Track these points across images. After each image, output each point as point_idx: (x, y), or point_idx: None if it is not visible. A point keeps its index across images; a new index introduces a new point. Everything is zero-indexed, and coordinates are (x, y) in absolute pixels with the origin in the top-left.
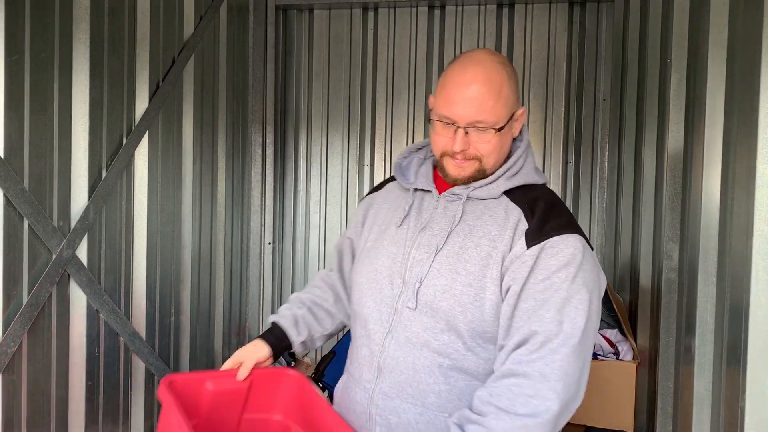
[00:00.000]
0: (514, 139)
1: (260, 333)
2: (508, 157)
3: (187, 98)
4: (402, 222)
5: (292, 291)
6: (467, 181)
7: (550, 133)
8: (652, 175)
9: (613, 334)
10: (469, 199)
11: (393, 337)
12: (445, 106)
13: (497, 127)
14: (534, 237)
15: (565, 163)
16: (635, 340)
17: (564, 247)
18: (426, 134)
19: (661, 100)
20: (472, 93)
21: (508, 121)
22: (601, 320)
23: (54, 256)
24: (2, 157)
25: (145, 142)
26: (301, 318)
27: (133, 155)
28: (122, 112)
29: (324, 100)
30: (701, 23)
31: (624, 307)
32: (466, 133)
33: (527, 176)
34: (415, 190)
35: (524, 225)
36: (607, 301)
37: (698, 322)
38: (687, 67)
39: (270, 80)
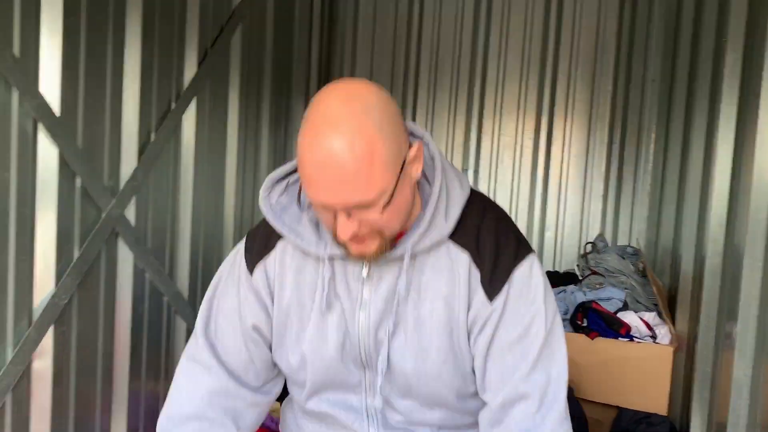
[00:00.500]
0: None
1: None
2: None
3: (233, 66)
4: (329, 305)
5: None
6: (377, 255)
7: (596, 114)
8: (700, 157)
9: (651, 317)
10: (411, 256)
11: (381, 426)
12: (308, 188)
13: (384, 201)
14: (493, 285)
15: (610, 144)
16: (674, 325)
17: (527, 279)
18: (468, 114)
19: (715, 80)
20: (334, 175)
21: (398, 179)
22: (640, 303)
23: (104, 215)
24: (58, 116)
25: (192, 107)
26: None
27: (180, 120)
28: (171, 77)
29: (367, 73)
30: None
31: (663, 291)
32: (349, 214)
33: (459, 199)
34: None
35: (476, 273)
36: (646, 284)
37: (741, 308)
38: (744, 47)
39: (314, 51)
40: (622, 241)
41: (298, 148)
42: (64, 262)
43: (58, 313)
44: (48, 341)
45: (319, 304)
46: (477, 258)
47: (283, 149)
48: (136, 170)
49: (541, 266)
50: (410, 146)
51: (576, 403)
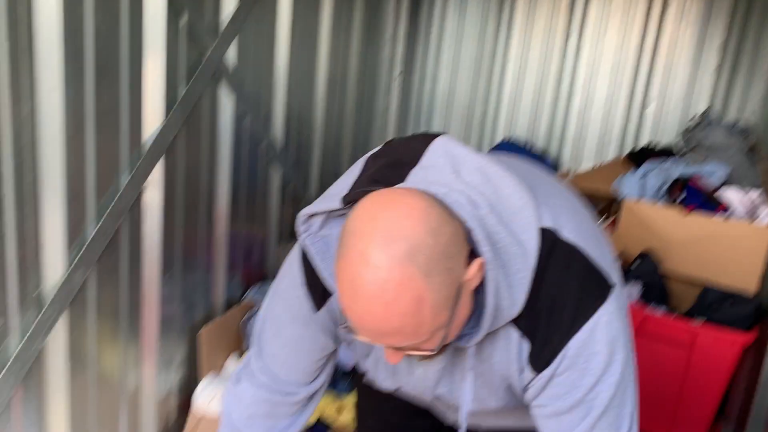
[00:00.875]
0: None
1: None
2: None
3: None
4: (389, 375)
5: (414, 124)
6: (435, 355)
7: None
8: None
9: (754, 195)
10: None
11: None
12: (352, 324)
13: (439, 338)
14: (542, 360)
15: (733, 12)
16: None
17: (585, 347)
18: None
19: None
20: (377, 328)
21: (453, 310)
22: (744, 181)
23: (208, 55)
24: None
25: None
26: None
27: None
28: None
29: None
30: None
31: None
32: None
33: (525, 275)
34: None
35: (526, 345)
36: (753, 164)
37: None
38: None
39: None
40: (732, 118)
41: (337, 281)
42: (170, 99)
43: (165, 147)
44: (158, 173)
45: (381, 361)
46: (527, 328)
47: (375, 6)
48: (237, 11)
49: (615, 311)
50: (470, 261)
51: (659, 278)
